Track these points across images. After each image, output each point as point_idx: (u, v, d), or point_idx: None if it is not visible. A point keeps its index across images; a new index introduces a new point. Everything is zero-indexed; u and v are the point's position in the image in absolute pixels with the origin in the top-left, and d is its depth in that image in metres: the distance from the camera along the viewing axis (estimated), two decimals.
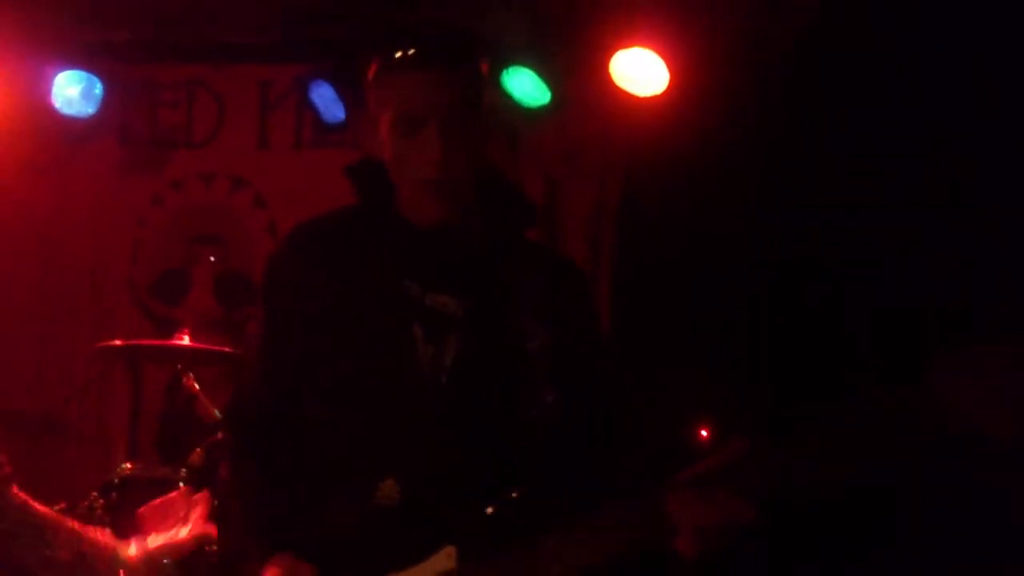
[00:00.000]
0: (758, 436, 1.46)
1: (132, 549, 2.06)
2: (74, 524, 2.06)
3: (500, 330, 1.75)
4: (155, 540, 2.06)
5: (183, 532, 2.08)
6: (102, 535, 2.07)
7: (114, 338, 3.61)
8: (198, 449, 3.39)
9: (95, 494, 3.26)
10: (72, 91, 4.12)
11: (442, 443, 1.72)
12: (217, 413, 3.43)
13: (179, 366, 3.46)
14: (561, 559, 1.60)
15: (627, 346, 4.03)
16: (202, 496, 2.11)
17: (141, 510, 2.14)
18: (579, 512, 1.62)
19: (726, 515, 1.49)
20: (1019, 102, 3.28)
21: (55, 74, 4.07)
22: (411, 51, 1.71)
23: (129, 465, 3.32)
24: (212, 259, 4.34)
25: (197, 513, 2.09)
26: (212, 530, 2.12)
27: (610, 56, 3.62)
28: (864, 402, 1.33)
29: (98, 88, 4.15)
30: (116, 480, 3.25)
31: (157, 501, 2.14)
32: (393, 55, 1.73)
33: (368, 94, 1.79)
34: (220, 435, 3.39)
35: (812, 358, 3.60)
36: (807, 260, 3.74)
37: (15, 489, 2.07)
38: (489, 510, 1.67)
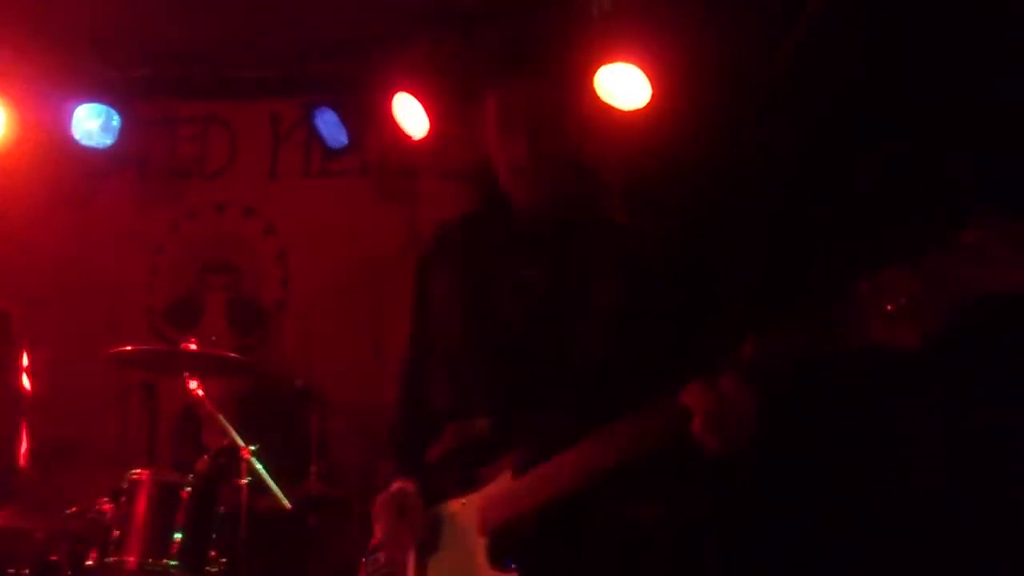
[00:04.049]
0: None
1: None
2: None
3: (571, 293, 2.12)
4: None
5: None
6: None
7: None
8: (204, 456, 3.52)
9: (105, 499, 3.43)
10: (92, 124, 4.32)
11: (521, 386, 2.09)
12: (222, 419, 3.56)
13: (186, 373, 3.60)
14: (578, 467, 1.91)
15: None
16: None
17: None
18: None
19: (732, 398, 1.71)
20: None
21: (75, 107, 4.27)
22: (504, 64, 2.18)
23: (139, 471, 3.43)
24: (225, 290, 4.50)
25: None
26: None
27: (594, 72, 3.75)
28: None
29: (115, 120, 4.34)
30: (125, 486, 3.40)
31: None
32: (492, 68, 2.12)
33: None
34: (225, 443, 3.54)
35: None
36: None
37: None
38: (545, 438, 1.99)
